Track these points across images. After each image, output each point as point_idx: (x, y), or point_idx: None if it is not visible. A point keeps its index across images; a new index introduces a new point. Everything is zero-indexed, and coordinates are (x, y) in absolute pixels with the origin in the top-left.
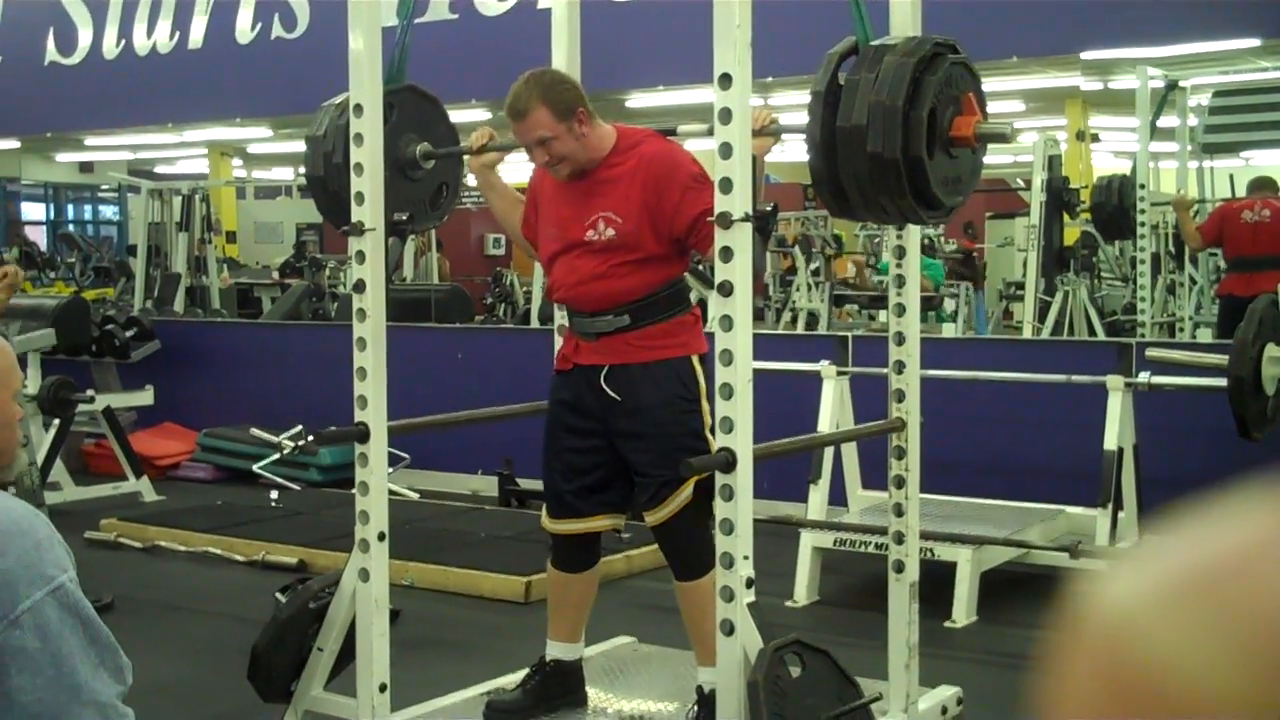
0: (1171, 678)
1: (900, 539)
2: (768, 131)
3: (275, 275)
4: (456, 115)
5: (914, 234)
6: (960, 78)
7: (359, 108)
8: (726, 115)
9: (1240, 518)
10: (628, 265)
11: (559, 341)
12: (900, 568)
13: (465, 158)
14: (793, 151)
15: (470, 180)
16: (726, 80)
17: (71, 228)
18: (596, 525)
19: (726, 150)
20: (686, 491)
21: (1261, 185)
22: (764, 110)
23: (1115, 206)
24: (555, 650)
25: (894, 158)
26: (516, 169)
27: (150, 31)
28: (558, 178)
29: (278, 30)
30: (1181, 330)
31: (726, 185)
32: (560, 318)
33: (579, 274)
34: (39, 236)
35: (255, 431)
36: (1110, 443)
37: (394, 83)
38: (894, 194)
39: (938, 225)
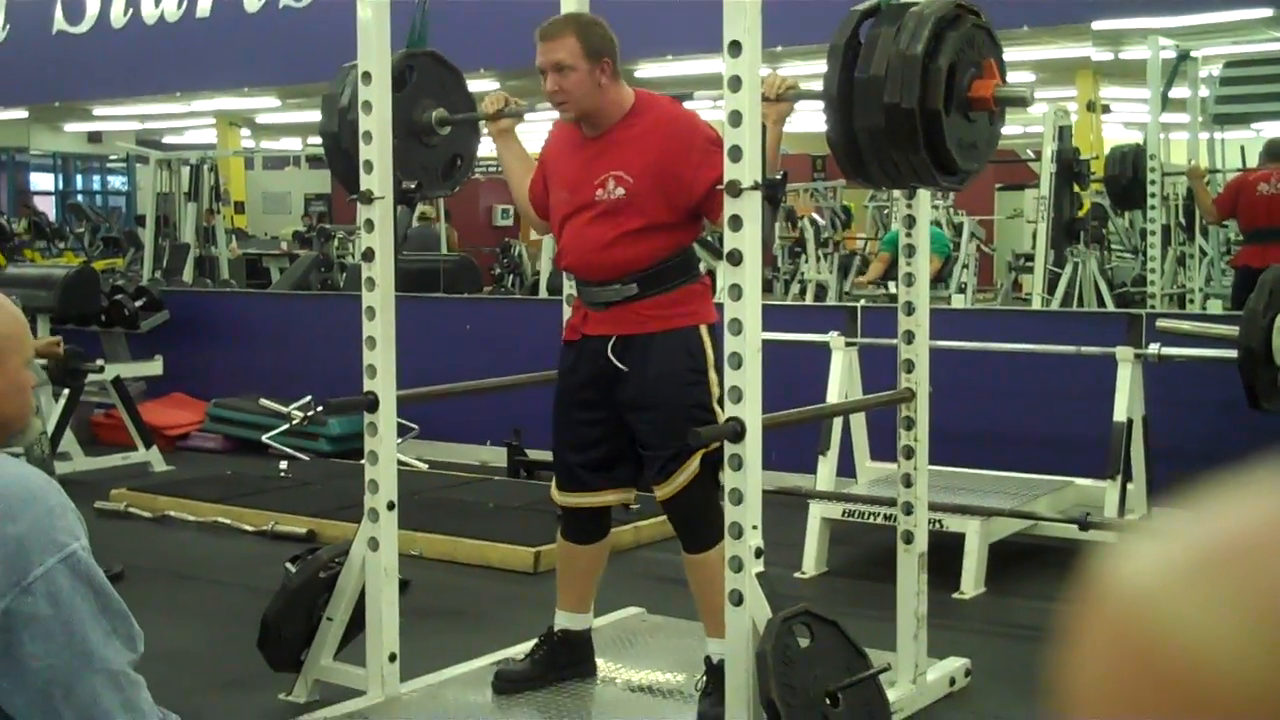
0: (1189, 655)
1: (909, 510)
2: (785, 98)
3: (284, 246)
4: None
5: (924, 203)
6: (982, 41)
7: (367, 75)
8: (736, 83)
9: (1258, 493)
10: (636, 233)
11: (567, 311)
12: (909, 538)
13: (483, 123)
14: (802, 122)
15: (483, 151)
16: (736, 48)
17: (80, 198)
18: (605, 500)
19: (736, 118)
20: (694, 465)
21: (1275, 153)
22: (779, 77)
23: (1130, 178)
24: (563, 620)
25: (910, 108)
26: (532, 139)
27: (158, 0)
28: (561, 117)
29: None
30: (1191, 302)
31: (736, 154)
32: (569, 287)
33: (587, 241)
34: (48, 206)
35: (264, 402)
36: (1120, 414)
37: (417, 47)
38: (908, 149)
39: (947, 196)
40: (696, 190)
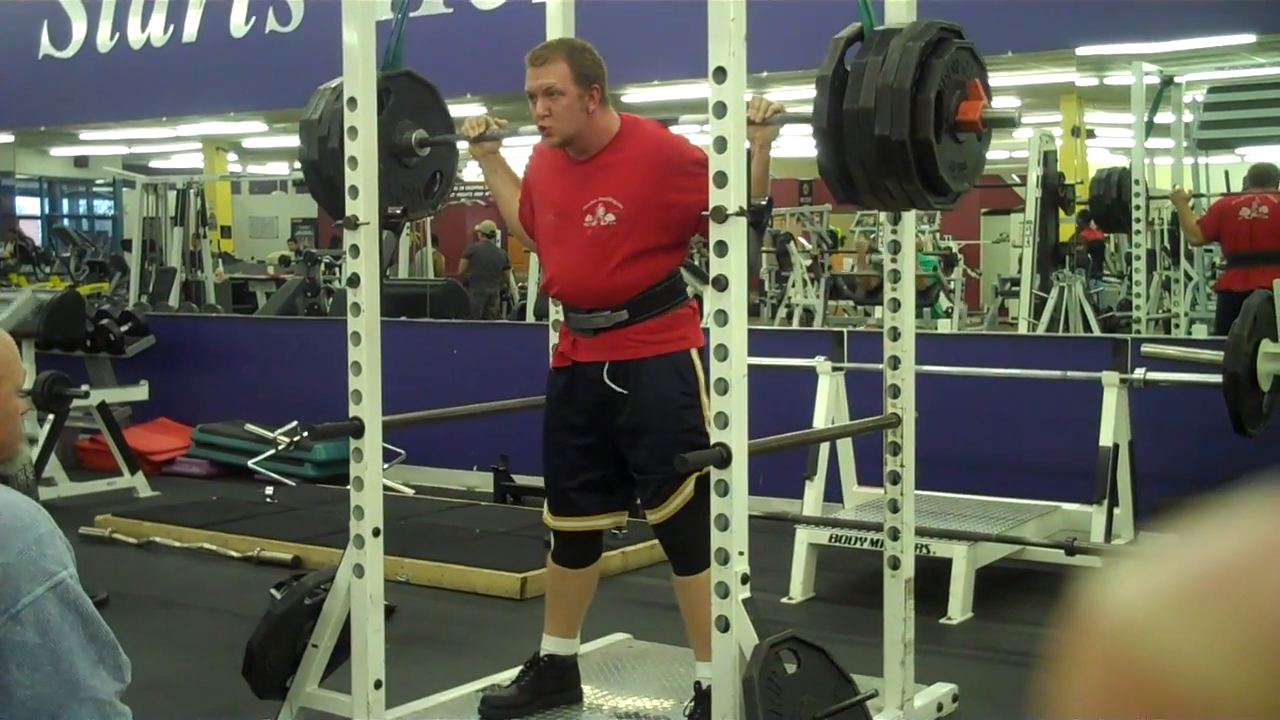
0: (1178, 681)
1: (896, 535)
2: (771, 121)
3: (271, 270)
4: (451, 110)
5: (909, 228)
6: (966, 63)
7: (353, 101)
8: (721, 109)
9: (1247, 520)
10: (624, 259)
11: (554, 337)
12: (896, 564)
13: (467, 145)
14: (788, 147)
15: (465, 175)
16: (721, 74)
17: (66, 222)
18: (598, 523)
19: (721, 144)
20: (688, 489)
21: (1260, 179)
22: (765, 100)
23: (1114, 200)
24: (550, 645)
25: (901, 140)
26: (518, 153)
27: (144, 25)
28: (545, 142)
29: (272, 24)
30: (1177, 326)
31: (721, 179)
32: (555, 312)
33: (578, 269)
34: (34, 231)
35: (250, 427)
36: (1106, 439)
37: (391, 69)
38: (901, 177)
39: (934, 220)
40: (689, 214)
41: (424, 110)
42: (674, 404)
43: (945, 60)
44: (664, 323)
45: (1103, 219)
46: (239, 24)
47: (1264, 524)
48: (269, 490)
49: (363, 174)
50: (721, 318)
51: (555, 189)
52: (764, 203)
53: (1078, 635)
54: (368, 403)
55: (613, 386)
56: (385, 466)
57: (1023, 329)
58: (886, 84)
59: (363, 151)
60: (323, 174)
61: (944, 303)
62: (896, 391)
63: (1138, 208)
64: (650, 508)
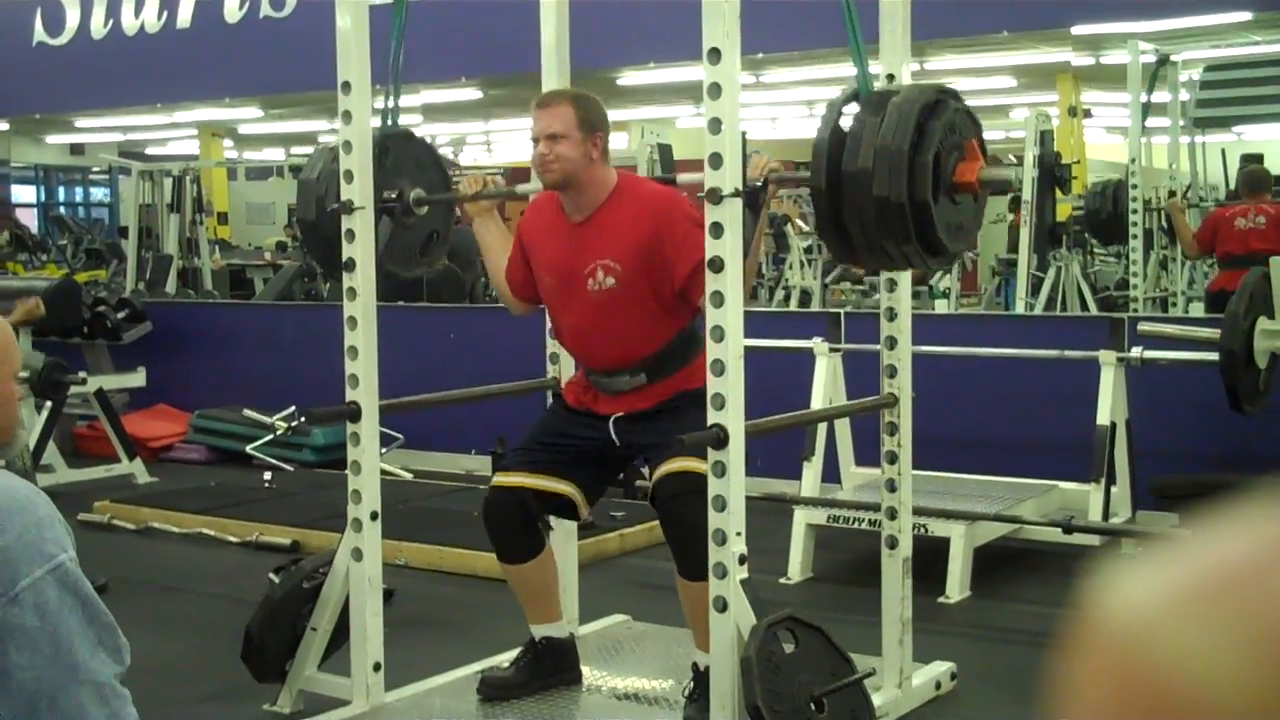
0: (1187, 683)
1: (893, 514)
2: (768, 180)
3: (268, 256)
4: (446, 94)
5: None
6: (963, 124)
7: (347, 85)
8: (715, 90)
9: (1256, 522)
10: (634, 321)
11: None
12: (893, 543)
13: (462, 196)
14: (785, 129)
15: (462, 160)
16: (715, 55)
17: (62, 210)
18: (556, 487)
19: (716, 125)
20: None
21: (1254, 185)
22: (763, 158)
23: (1110, 213)
24: (539, 631)
25: (900, 201)
26: (522, 142)
27: (138, 11)
28: (544, 180)
29: (266, 9)
30: (1174, 305)
31: (716, 160)
32: (554, 345)
33: (586, 335)
34: (30, 219)
35: (248, 412)
36: (1103, 418)
37: (389, 128)
38: (899, 239)
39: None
40: (680, 273)
41: (421, 169)
42: (690, 423)
43: (942, 122)
44: (684, 374)
45: (1099, 231)
46: (233, 9)
47: (1273, 524)
48: (267, 475)
49: (357, 158)
50: (718, 299)
51: (553, 252)
52: (759, 184)
53: (1084, 637)
54: (364, 387)
55: (624, 435)
56: (383, 451)
57: (1020, 309)
58: (885, 145)
59: (358, 135)
60: (321, 234)
61: (941, 283)
62: (893, 372)
63: (1134, 186)
64: (666, 460)
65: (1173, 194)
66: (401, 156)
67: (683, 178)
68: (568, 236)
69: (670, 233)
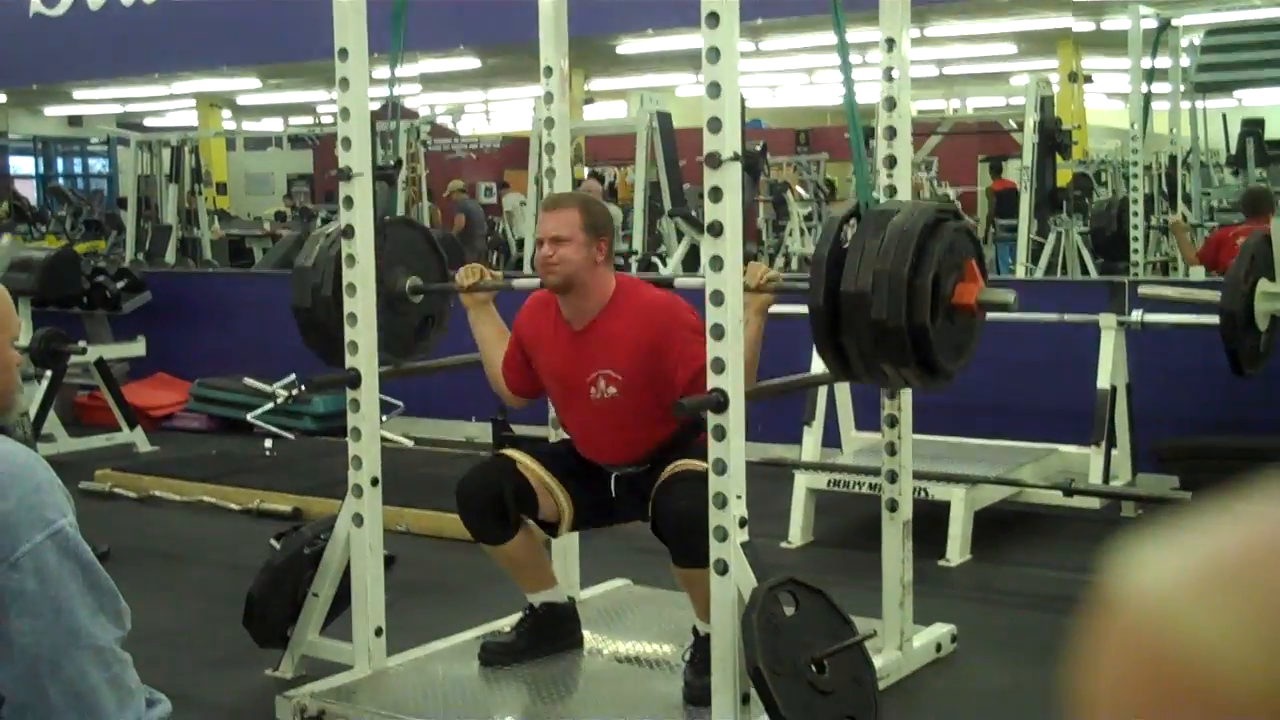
0: (1207, 665)
1: (894, 478)
2: (766, 289)
3: (267, 226)
4: (445, 63)
5: (905, 175)
6: (962, 244)
7: (344, 52)
8: (714, 55)
9: (1271, 502)
10: (637, 425)
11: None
12: (894, 506)
13: (459, 286)
14: (785, 96)
15: (462, 129)
16: (714, 19)
17: (61, 181)
18: (553, 487)
19: (715, 89)
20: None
21: (1254, 206)
22: (761, 266)
23: (1115, 233)
24: (537, 598)
25: (898, 325)
26: (521, 111)
27: None
28: (545, 281)
29: None
30: (1174, 270)
31: (715, 125)
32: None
33: (592, 438)
34: (29, 190)
35: (248, 381)
36: (1103, 381)
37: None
38: (897, 362)
39: (930, 168)
40: (680, 380)
41: (418, 255)
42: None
43: (941, 244)
44: (686, 453)
45: (1103, 249)
46: None
47: None
48: (268, 443)
49: (355, 126)
50: (717, 263)
51: (554, 358)
52: (759, 147)
53: (1103, 618)
54: (363, 353)
55: (630, 485)
56: (384, 418)
57: (1020, 274)
58: (883, 268)
59: (355, 103)
60: (316, 322)
61: None
62: None
63: (1135, 151)
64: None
65: (1174, 217)
66: (398, 243)
67: (679, 281)
68: (568, 343)
69: (669, 343)
